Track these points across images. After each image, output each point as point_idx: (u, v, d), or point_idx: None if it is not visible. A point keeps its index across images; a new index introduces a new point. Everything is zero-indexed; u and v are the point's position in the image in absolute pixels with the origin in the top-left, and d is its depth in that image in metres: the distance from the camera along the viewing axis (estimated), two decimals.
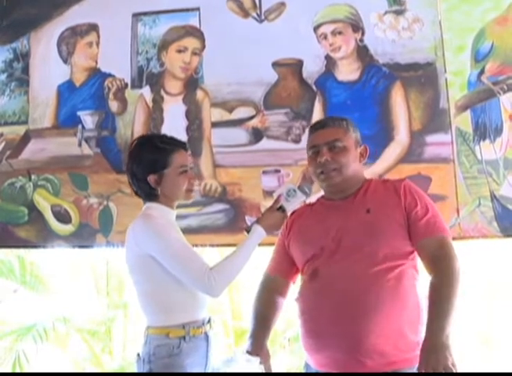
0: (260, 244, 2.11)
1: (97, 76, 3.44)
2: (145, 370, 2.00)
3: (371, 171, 2.75)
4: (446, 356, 1.75)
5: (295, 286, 2.20)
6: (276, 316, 2.15)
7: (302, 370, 2.12)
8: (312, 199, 2.27)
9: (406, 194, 2.03)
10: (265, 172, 3.14)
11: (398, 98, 3.03)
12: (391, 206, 2.03)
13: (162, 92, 3.34)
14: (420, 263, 2.01)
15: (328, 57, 3.14)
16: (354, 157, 2.10)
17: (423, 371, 1.76)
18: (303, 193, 2.19)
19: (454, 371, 1.74)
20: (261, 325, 2.11)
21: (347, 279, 1.94)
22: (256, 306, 2.17)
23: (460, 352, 4.60)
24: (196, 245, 2.85)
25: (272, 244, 2.27)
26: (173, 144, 2.14)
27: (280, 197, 2.18)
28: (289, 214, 2.19)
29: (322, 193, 2.22)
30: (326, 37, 3.14)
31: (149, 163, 2.09)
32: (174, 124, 3.27)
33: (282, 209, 2.16)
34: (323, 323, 1.94)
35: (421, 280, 2.00)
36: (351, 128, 2.13)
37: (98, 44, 3.46)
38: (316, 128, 2.18)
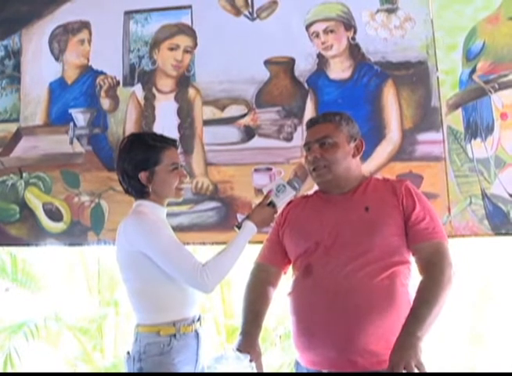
0: (249, 242, 2.11)
1: (89, 73, 3.44)
2: (135, 368, 2.00)
3: (362, 170, 2.75)
4: (411, 355, 1.74)
5: (286, 278, 2.19)
6: (267, 309, 2.14)
7: (293, 368, 2.11)
8: (310, 191, 2.27)
9: (406, 196, 2.03)
10: (256, 170, 3.14)
11: (389, 96, 3.04)
12: (389, 206, 2.02)
13: (154, 90, 3.34)
14: (413, 265, 2.01)
15: (320, 55, 3.13)
16: (345, 153, 2.09)
17: (389, 370, 1.75)
18: (292, 188, 2.18)
19: (416, 371, 1.71)
20: (253, 321, 2.08)
21: (340, 277, 1.94)
22: (247, 300, 2.14)
23: (451, 349, 4.64)
24: (188, 243, 2.84)
25: (261, 242, 2.26)
26: (164, 142, 2.15)
27: (270, 192, 2.18)
28: (279, 209, 2.20)
29: (315, 189, 2.23)
30: (318, 36, 3.14)
31: (141, 160, 2.09)
32: (165, 122, 3.27)
33: (272, 205, 2.17)
34: (316, 321, 1.94)
35: (414, 280, 2.00)
36: (343, 122, 2.12)
37: (89, 41, 3.46)
38: (309, 125, 2.19)
